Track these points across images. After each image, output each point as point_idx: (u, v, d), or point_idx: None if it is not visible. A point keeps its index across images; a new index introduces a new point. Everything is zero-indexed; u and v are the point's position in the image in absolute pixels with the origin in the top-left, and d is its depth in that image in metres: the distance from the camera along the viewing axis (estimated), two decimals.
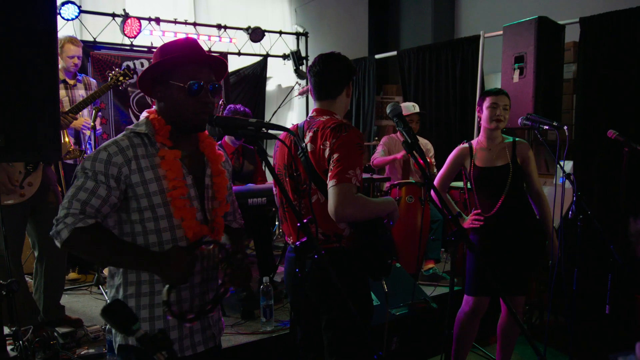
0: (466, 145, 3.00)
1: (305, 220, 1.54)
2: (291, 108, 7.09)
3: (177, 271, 1.50)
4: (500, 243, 2.86)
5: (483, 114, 2.91)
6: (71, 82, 4.20)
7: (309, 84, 2.24)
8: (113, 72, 3.80)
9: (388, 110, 2.01)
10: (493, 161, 2.89)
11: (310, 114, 2.21)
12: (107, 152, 1.52)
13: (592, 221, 2.65)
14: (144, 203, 1.54)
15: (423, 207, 4.42)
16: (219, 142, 4.19)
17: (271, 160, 2.18)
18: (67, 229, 1.45)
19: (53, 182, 3.25)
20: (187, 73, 1.58)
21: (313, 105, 2.25)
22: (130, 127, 1.62)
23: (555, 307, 3.48)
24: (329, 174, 1.96)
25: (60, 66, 4.16)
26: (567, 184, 3.09)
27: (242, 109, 4.21)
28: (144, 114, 1.70)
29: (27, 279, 3.53)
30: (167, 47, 1.63)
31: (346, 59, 2.21)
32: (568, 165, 4.59)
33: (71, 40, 4.14)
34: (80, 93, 4.22)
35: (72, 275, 4.40)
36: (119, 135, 1.59)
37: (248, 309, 3.50)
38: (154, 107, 1.67)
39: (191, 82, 1.57)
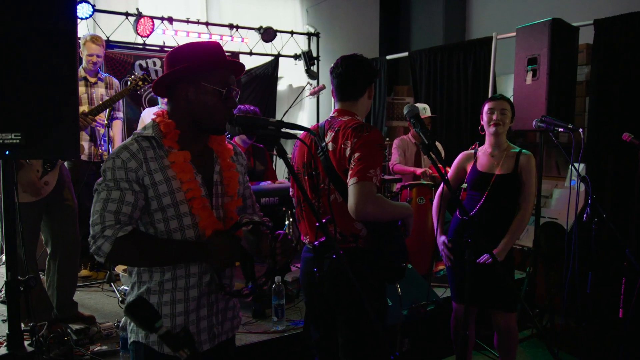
0: (471, 151, 3.03)
1: (324, 220, 1.55)
2: (302, 108, 7.09)
3: (223, 254, 1.57)
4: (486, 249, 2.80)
5: (484, 120, 2.95)
6: (92, 79, 4.23)
7: (331, 84, 2.25)
8: (132, 76, 3.85)
9: (405, 111, 2.02)
10: (493, 167, 2.89)
11: (331, 114, 2.22)
12: (120, 159, 1.54)
13: (608, 224, 2.63)
14: (154, 205, 1.57)
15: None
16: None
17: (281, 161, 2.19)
18: (109, 241, 1.47)
19: (68, 180, 3.28)
20: (222, 77, 1.62)
21: (333, 105, 2.27)
22: (137, 131, 1.65)
23: (567, 310, 3.46)
24: (350, 172, 1.97)
25: (82, 65, 4.21)
26: (578, 186, 3.08)
27: (251, 108, 4.23)
28: (152, 116, 1.72)
29: (41, 275, 3.57)
30: (195, 50, 1.65)
31: (368, 62, 2.22)
32: (581, 168, 4.56)
33: (92, 38, 4.18)
34: (101, 92, 4.26)
35: (83, 272, 4.43)
36: (127, 140, 1.61)
37: (259, 308, 3.51)
38: (163, 107, 1.69)
39: (228, 88, 1.62)
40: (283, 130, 1.53)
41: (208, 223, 1.62)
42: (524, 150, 2.92)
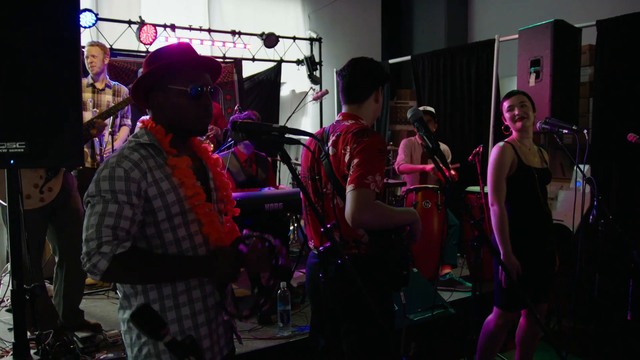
0: (506, 144, 2.80)
1: (328, 225, 1.54)
2: (305, 113, 7.10)
3: (227, 269, 1.50)
4: (528, 248, 2.78)
5: (507, 119, 2.86)
6: (99, 86, 4.25)
7: (339, 87, 2.23)
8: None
9: (409, 115, 2.01)
10: (536, 162, 2.83)
11: (337, 118, 2.20)
12: (122, 169, 1.44)
13: (614, 226, 2.61)
14: (161, 216, 1.49)
15: (439, 211, 4.40)
16: (232, 150, 4.21)
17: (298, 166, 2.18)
18: (106, 258, 1.38)
19: (74, 187, 3.29)
20: (188, 77, 1.55)
21: (336, 110, 2.27)
22: (131, 138, 1.56)
23: (574, 312, 3.43)
24: (348, 178, 1.94)
25: (90, 73, 4.23)
26: (583, 187, 3.06)
27: (245, 113, 4.25)
28: (138, 124, 1.69)
29: (46, 283, 3.57)
30: (161, 53, 1.60)
31: (376, 64, 2.18)
32: (585, 169, 4.54)
33: (90, 43, 4.22)
34: (108, 99, 4.27)
35: (89, 280, 4.43)
36: (124, 149, 1.51)
37: (265, 314, 3.50)
38: (148, 116, 1.63)
39: (193, 86, 1.55)
40: (286, 135, 1.53)
41: (212, 229, 1.57)
42: (540, 147, 2.92)
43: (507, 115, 2.85)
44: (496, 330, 2.89)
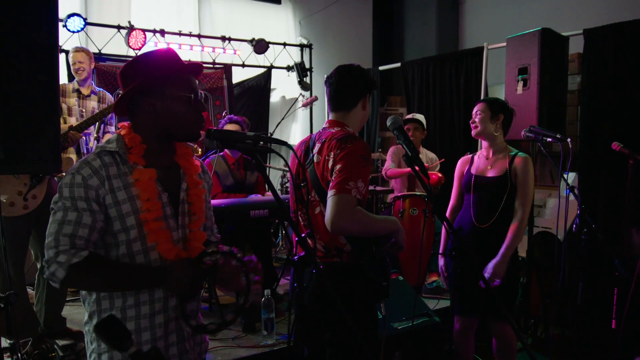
0: (469, 155, 3.02)
1: (303, 235, 1.53)
2: (295, 120, 7.10)
3: (184, 282, 1.48)
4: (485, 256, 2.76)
5: None
6: (85, 92, 4.22)
7: (325, 94, 2.22)
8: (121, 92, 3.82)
9: (388, 123, 2.01)
10: (487, 170, 2.87)
11: (324, 125, 2.19)
12: (81, 175, 1.44)
13: (597, 234, 2.62)
14: (116, 226, 1.48)
15: (426, 219, 4.39)
16: (221, 154, 4.19)
17: (274, 172, 2.17)
18: (62, 267, 1.39)
19: None
20: (186, 83, 1.56)
21: (326, 117, 2.25)
22: (100, 144, 1.56)
23: (560, 320, 3.43)
24: (330, 184, 1.93)
25: (76, 79, 4.21)
26: (571, 196, 3.06)
27: (240, 119, 4.25)
28: (112, 130, 1.68)
29: (28, 289, 3.53)
30: (152, 60, 1.58)
31: (363, 72, 2.17)
32: (572, 177, 4.56)
33: (75, 49, 4.19)
34: (93, 105, 4.25)
35: None
36: (90, 155, 1.52)
37: (249, 322, 3.48)
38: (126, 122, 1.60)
39: (195, 92, 1.56)
40: (260, 144, 1.52)
41: (166, 247, 1.53)
42: (520, 153, 2.83)
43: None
44: (457, 336, 2.95)
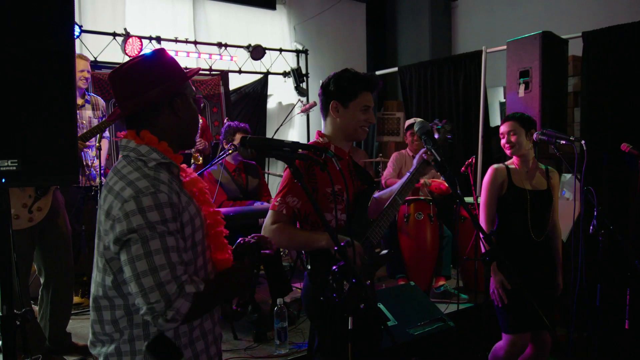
0: (501, 165, 2.91)
1: (342, 243, 1.49)
2: (292, 126, 7.06)
3: (247, 285, 1.50)
4: (528, 269, 2.76)
5: (502, 142, 2.93)
6: (80, 102, 4.13)
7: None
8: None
9: (416, 128, 2.00)
10: (534, 184, 2.85)
11: None
12: (164, 194, 1.30)
13: (615, 235, 2.62)
14: (189, 243, 1.38)
15: (432, 223, 4.38)
16: (220, 162, 4.14)
17: (273, 178, 2.14)
18: (189, 300, 1.25)
19: (62, 205, 3.18)
20: (190, 86, 1.54)
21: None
22: (138, 157, 1.39)
23: (579, 323, 3.43)
24: None
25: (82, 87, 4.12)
26: (570, 196, 3.07)
27: (242, 125, 4.20)
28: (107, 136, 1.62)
29: (32, 304, 3.43)
30: (166, 63, 1.50)
31: (336, 77, 2.11)
32: (571, 180, 4.57)
33: (79, 55, 4.11)
34: (88, 114, 4.16)
35: (75, 299, 4.28)
36: (147, 170, 1.36)
37: (261, 332, 3.42)
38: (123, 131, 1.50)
39: (199, 96, 1.54)
40: (299, 151, 1.49)
41: (224, 256, 1.51)
42: (549, 167, 2.94)
43: (502, 141, 2.91)
44: (507, 357, 2.82)
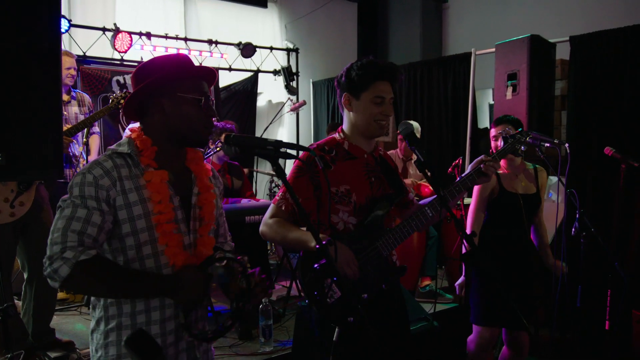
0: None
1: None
2: (282, 124, 7.07)
3: (193, 293, 1.45)
4: (512, 271, 2.79)
5: (493, 148, 2.92)
6: (66, 98, 4.11)
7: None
8: (114, 94, 3.76)
9: (400, 129, 1.99)
10: (522, 188, 2.86)
11: None
12: (92, 175, 1.41)
13: (596, 238, 2.66)
14: (126, 229, 1.44)
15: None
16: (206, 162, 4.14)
17: (261, 177, 2.14)
18: (67, 264, 1.32)
19: (45, 200, 3.16)
20: (197, 86, 1.54)
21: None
22: (111, 147, 1.53)
23: (558, 323, 3.47)
24: None
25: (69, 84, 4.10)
26: (555, 198, 3.11)
27: (228, 126, 4.19)
28: (126, 132, 1.65)
29: (14, 300, 3.41)
30: (166, 60, 1.58)
31: (347, 67, 2.06)
32: (554, 182, 4.62)
33: (65, 52, 4.09)
34: (75, 110, 4.14)
35: (60, 294, 4.26)
36: (101, 157, 1.49)
37: (246, 329, 3.42)
38: (135, 124, 1.61)
39: (206, 96, 1.54)
40: (282, 150, 1.50)
41: (175, 251, 1.50)
42: (537, 166, 2.93)
43: (492, 143, 2.90)
44: (478, 351, 2.86)
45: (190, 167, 1.63)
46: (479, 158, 2.03)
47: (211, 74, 1.62)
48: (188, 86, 1.53)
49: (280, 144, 1.49)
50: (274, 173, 5.89)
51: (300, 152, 1.84)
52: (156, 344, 1.12)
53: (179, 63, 1.56)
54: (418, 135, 4.80)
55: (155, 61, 1.59)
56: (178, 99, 1.51)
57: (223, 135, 4.07)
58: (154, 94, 1.52)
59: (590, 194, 4.43)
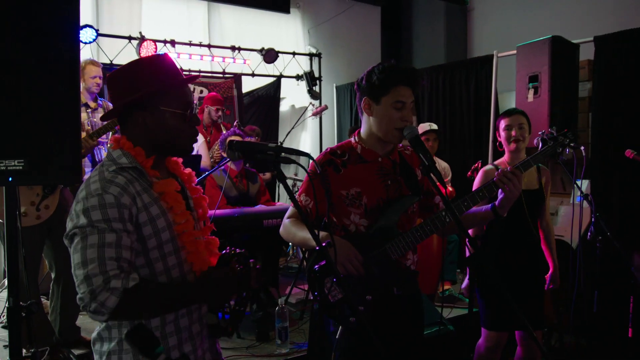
0: (491, 166, 2.84)
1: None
2: (305, 129, 7.13)
3: (227, 292, 1.49)
4: (517, 272, 2.76)
5: (502, 137, 2.84)
6: (93, 105, 4.25)
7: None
8: None
9: (405, 133, 1.99)
10: (524, 184, 2.81)
11: None
12: (111, 195, 1.33)
13: (612, 242, 2.61)
14: (151, 244, 1.40)
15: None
16: (222, 168, 4.22)
17: (292, 183, 2.18)
18: (115, 294, 1.25)
19: (70, 203, 3.28)
20: (181, 97, 1.49)
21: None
22: (107, 161, 1.44)
23: (575, 329, 3.40)
24: None
25: (82, 88, 4.23)
26: (585, 203, 3.04)
27: (254, 128, 4.28)
28: (108, 144, 1.65)
29: (42, 299, 3.55)
30: (147, 69, 1.48)
31: (367, 71, 2.06)
32: (584, 185, 4.54)
33: (92, 62, 4.22)
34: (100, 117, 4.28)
35: None
36: (105, 174, 1.39)
37: (263, 331, 3.48)
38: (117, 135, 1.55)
39: (189, 109, 1.49)
40: (282, 155, 1.54)
41: (200, 257, 1.51)
42: (540, 165, 2.85)
43: (503, 133, 2.82)
44: (487, 353, 2.84)
45: (175, 173, 1.62)
46: (500, 170, 2.00)
47: (193, 78, 1.65)
48: (172, 98, 1.47)
49: (280, 149, 1.54)
50: (295, 177, 5.94)
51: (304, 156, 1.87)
52: (155, 337, 1.17)
53: (160, 73, 1.48)
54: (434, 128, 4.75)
55: (135, 70, 1.49)
56: (160, 112, 1.46)
57: (227, 141, 4.14)
58: (135, 107, 1.46)
59: (618, 196, 4.32)
